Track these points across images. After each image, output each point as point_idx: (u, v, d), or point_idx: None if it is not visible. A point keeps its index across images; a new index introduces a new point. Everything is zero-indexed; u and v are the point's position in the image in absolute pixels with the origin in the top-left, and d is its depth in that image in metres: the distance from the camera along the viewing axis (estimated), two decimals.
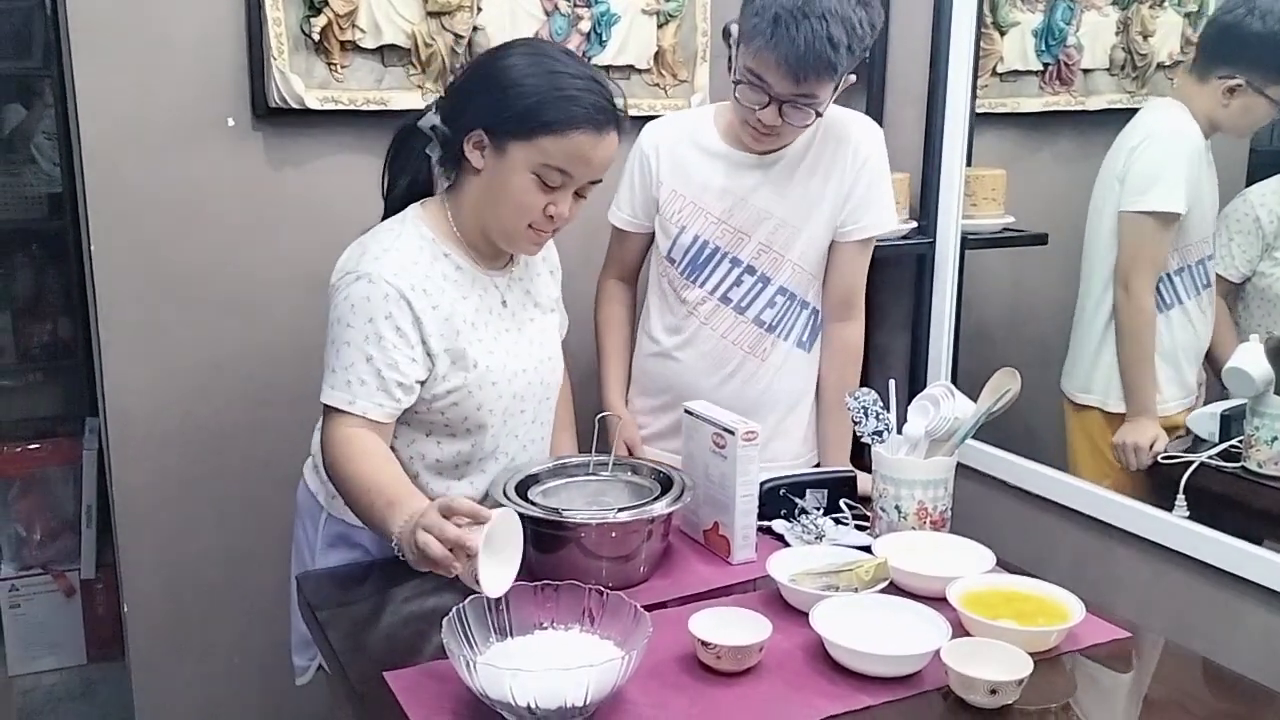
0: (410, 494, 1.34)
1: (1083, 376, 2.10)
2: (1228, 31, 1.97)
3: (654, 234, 1.86)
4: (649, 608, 1.24)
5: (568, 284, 1.72)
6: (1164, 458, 1.93)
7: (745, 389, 1.81)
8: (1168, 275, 1.99)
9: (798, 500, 1.65)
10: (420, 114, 1.50)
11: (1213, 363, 2.02)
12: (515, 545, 1.23)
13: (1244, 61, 1.90)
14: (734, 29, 1.67)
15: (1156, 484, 1.95)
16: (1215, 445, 1.87)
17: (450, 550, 1.17)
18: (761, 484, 1.56)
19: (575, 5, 2.10)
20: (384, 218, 1.55)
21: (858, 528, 1.63)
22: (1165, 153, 1.98)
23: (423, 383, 1.46)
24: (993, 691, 1.14)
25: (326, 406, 1.43)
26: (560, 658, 1.18)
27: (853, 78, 1.69)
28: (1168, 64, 2.22)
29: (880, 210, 1.80)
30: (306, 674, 1.64)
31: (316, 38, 1.91)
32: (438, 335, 1.45)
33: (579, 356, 1.91)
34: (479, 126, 1.41)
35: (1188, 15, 2.21)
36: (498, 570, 1.19)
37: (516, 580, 1.23)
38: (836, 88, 1.66)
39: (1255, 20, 1.89)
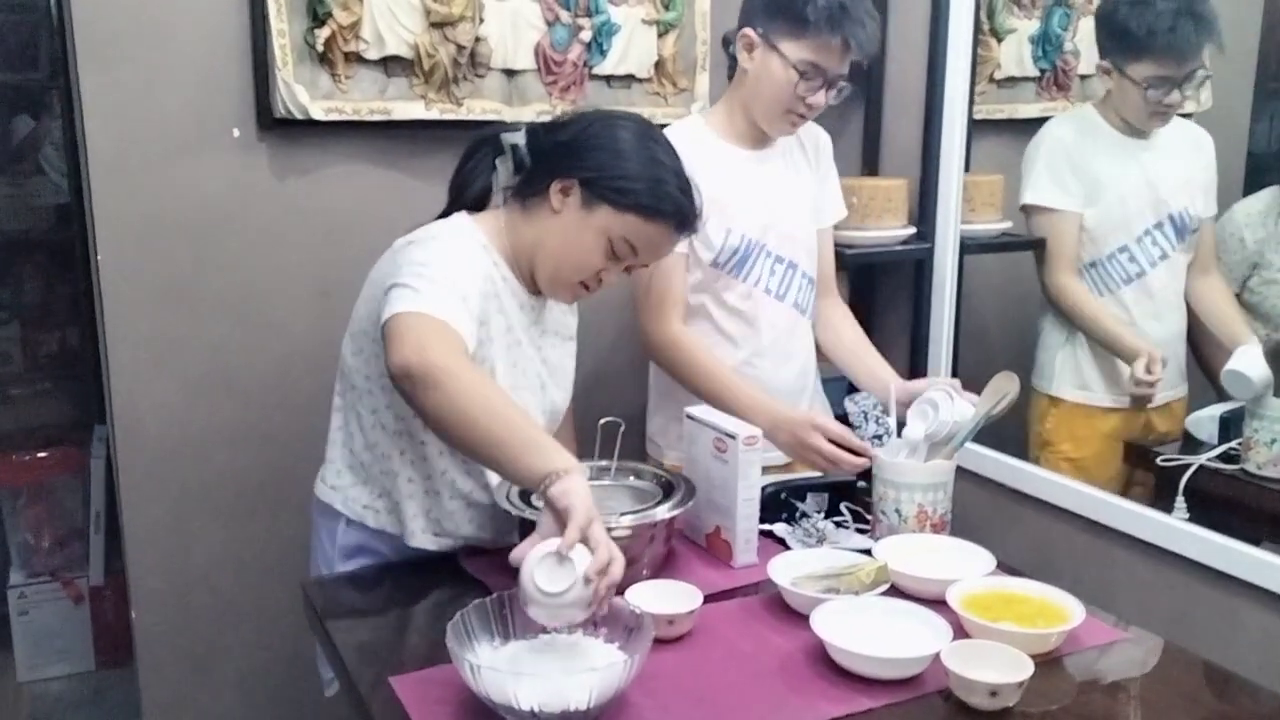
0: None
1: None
2: (1096, 20, 2.09)
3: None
4: None
5: None
6: (1163, 460, 1.94)
7: (799, 372, 1.92)
8: (1083, 268, 2.08)
9: (798, 504, 1.66)
10: (505, 126, 1.54)
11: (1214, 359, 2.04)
12: None
13: (1103, 45, 2.02)
14: (750, 34, 1.74)
15: (1140, 482, 2.03)
16: (1215, 447, 1.88)
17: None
18: (762, 488, 1.57)
19: (576, 15, 2.12)
20: (446, 211, 1.56)
21: (858, 531, 1.64)
22: (1033, 151, 2.12)
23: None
24: (993, 694, 1.15)
25: (394, 318, 1.29)
26: (564, 661, 1.19)
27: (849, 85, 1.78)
28: None
29: (838, 198, 1.99)
30: (334, 685, 1.63)
31: (320, 49, 1.93)
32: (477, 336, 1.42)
33: (579, 358, 1.90)
34: (576, 176, 1.45)
35: None
36: None
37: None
38: None
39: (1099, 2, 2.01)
